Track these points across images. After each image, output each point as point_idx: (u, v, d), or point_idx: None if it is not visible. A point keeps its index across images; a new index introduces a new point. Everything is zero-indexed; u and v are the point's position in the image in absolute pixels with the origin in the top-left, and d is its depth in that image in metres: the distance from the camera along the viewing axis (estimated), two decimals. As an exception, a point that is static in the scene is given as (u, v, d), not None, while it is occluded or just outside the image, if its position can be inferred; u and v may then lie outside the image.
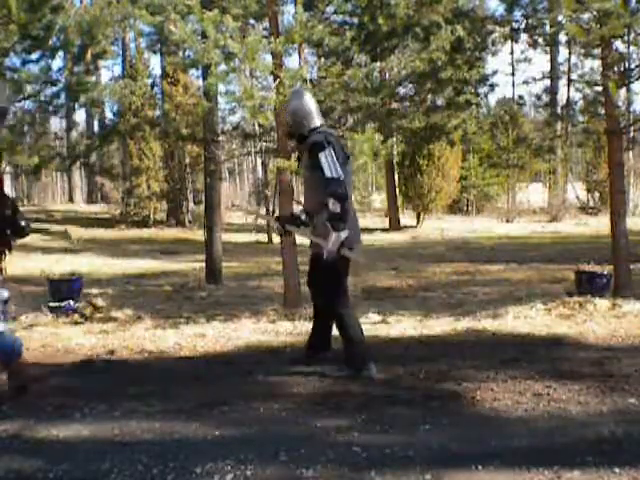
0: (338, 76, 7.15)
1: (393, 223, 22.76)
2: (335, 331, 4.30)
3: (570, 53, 8.64)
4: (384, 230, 22.21)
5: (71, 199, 31.08)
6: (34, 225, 5.24)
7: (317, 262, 4.19)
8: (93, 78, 9.11)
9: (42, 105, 8.36)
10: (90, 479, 2.71)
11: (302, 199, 4.48)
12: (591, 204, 28.17)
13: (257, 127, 13.62)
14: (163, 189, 22.72)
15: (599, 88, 7.78)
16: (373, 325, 6.20)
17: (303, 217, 4.29)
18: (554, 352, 4.75)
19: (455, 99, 9.71)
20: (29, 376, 3.93)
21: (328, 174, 3.88)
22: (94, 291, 8.57)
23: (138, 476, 2.72)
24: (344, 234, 3.93)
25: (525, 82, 8.44)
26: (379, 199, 33.80)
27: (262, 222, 17.79)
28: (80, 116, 35.34)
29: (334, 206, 3.85)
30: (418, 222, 23.56)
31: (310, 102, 4.24)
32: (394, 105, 9.67)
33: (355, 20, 8.60)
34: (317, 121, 4.22)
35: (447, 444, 2.97)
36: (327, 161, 3.91)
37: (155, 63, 78.39)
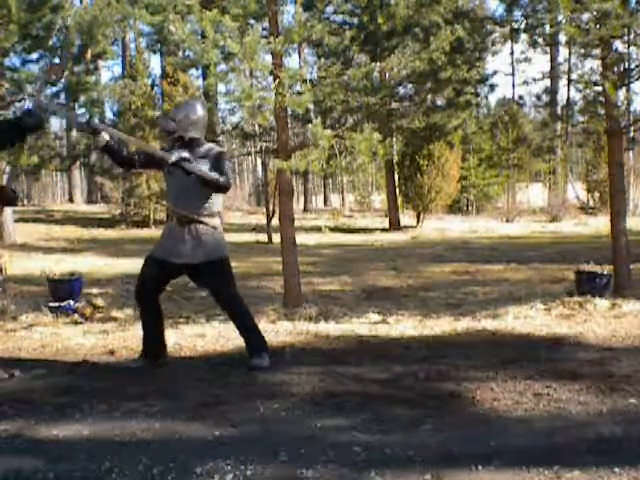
0: (338, 76, 7.15)
1: (393, 223, 22.73)
2: None
3: (570, 53, 8.62)
4: (384, 230, 22.18)
5: (71, 199, 31.02)
6: None
7: (207, 271, 4.37)
8: (93, 78, 9.10)
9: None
10: (90, 479, 2.71)
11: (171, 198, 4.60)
12: (591, 204, 28.13)
13: (257, 127, 13.60)
14: (163, 189, 22.70)
15: (599, 88, 7.77)
16: (373, 325, 6.20)
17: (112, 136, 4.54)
18: (554, 352, 4.76)
19: (455, 99, 9.70)
20: None
21: (227, 182, 4.42)
22: (94, 291, 8.55)
23: (138, 476, 2.72)
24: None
25: (525, 82, 8.45)
26: (379, 199, 33.76)
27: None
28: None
29: (217, 182, 4.33)
30: (418, 222, 23.53)
31: (203, 114, 4.75)
32: (394, 105, 9.66)
33: (355, 20, 8.61)
34: (203, 132, 4.74)
35: (447, 444, 2.98)
36: (229, 170, 4.54)
37: (155, 63, 78.44)
